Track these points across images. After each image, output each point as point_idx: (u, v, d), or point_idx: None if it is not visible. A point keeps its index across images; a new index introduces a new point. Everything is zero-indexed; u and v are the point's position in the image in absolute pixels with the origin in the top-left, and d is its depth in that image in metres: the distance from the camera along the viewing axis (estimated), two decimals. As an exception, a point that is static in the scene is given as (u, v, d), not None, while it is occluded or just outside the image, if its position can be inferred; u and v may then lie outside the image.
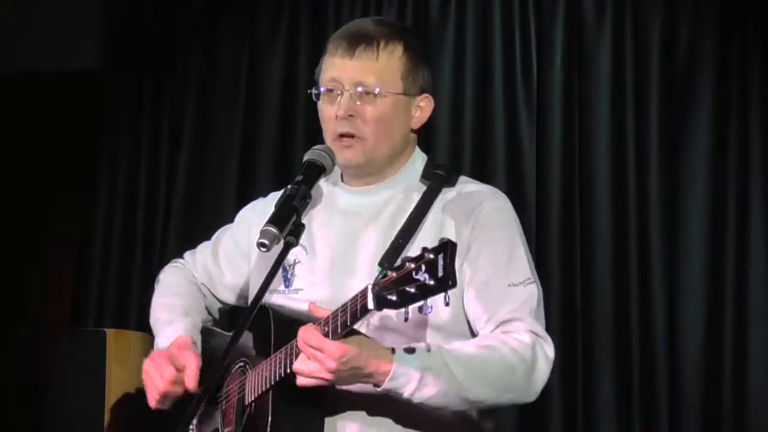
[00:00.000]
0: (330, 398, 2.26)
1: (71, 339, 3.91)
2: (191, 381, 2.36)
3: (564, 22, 4.16)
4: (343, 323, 2.12)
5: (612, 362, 3.98)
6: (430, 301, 1.96)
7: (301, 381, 2.16)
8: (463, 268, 2.33)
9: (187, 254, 2.75)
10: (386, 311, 2.06)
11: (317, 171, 2.33)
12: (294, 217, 2.22)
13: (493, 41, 4.21)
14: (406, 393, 2.18)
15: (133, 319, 4.43)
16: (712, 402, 3.89)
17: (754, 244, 3.92)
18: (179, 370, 2.38)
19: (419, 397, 2.19)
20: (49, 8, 4.77)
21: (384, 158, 2.43)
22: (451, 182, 2.45)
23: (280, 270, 2.42)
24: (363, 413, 2.30)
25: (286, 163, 4.36)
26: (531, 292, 2.34)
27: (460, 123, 4.20)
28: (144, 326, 4.30)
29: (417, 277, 1.95)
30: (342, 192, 2.49)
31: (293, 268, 2.45)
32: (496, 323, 2.31)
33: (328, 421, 2.27)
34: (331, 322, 2.15)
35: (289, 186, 2.30)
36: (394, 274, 1.99)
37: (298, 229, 2.21)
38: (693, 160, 4.02)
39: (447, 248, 1.94)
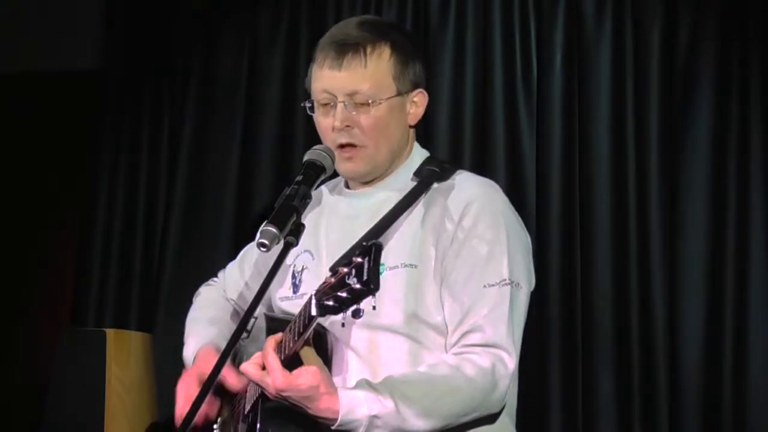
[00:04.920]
0: None
1: (71, 339, 3.91)
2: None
3: (564, 22, 4.15)
4: (298, 331, 2.12)
5: (612, 362, 3.98)
6: (363, 304, 1.96)
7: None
8: (443, 263, 2.32)
9: (220, 273, 2.79)
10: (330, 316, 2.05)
11: (317, 171, 2.33)
12: (294, 217, 2.21)
13: (493, 42, 4.20)
14: None
15: (133, 319, 4.42)
16: (712, 402, 3.89)
17: (754, 244, 3.91)
18: None
19: None
20: (49, 8, 4.76)
21: (386, 162, 2.42)
22: (444, 177, 2.42)
23: (289, 277, 2.45)
24: None
25: (286, 163, 4.36)
26: (504, 295, 2.29)
27: (460, 123, 4.19)
28: (144, 326, 4.34)
29: (348, 281, 1.95)
30: (344, 197, 2.49)
31: (301, 275, 2.46)
32: (462, 333, 2.29)
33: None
34: (289, 330, 2.16)
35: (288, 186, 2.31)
36: (332, 279, 2.00)
37: (298, 229, 2.20)
38: (693, 160, 4.02)
39: (371, 251, 1.94)
